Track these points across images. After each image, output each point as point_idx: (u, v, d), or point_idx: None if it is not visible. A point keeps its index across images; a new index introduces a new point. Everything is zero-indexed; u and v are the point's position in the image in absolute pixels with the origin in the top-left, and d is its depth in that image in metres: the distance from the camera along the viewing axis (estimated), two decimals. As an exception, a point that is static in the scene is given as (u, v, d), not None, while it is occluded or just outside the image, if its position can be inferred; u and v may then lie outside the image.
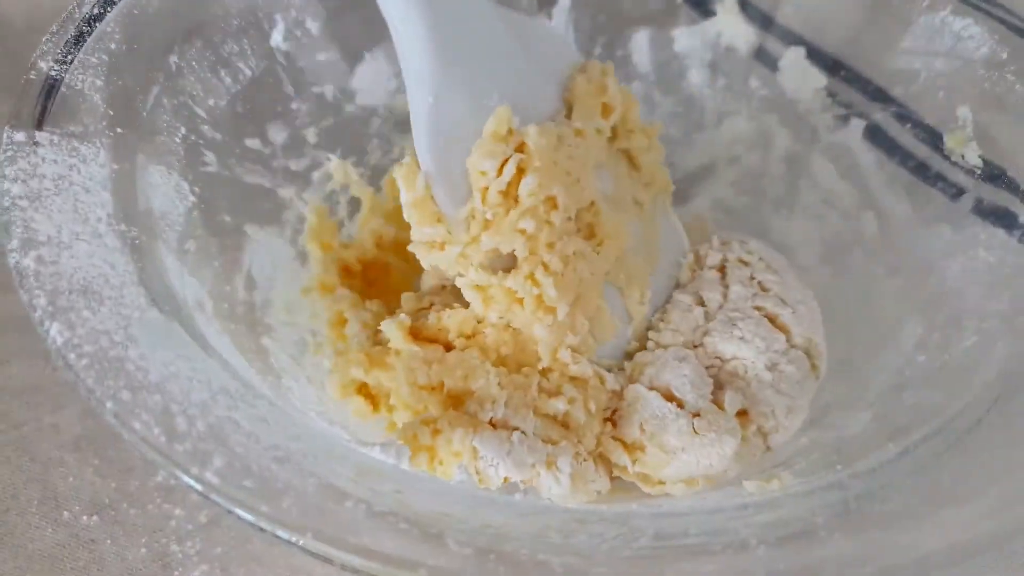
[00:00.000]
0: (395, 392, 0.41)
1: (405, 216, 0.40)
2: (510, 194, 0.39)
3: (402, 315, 0.44)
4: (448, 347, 0.43)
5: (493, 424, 0.40)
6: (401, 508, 0.29)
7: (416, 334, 0.43)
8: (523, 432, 0.39)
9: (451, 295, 0.46)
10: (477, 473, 0.38)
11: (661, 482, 0.41)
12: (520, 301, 0.40)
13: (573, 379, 0.42)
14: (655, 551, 0.29)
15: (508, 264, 0.41)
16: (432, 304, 0.46)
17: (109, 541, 0.41)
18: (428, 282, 0.48)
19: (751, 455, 0.41)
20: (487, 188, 0.38)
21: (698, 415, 0.41)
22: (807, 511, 0.31)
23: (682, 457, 0.40)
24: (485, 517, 0.30)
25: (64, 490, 0.43)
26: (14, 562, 0.40)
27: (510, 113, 0.39)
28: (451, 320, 0.43)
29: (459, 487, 0.36)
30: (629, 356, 0.46)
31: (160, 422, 0.29)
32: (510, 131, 0.39)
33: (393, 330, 0.42)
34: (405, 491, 0.31)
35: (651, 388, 0.42)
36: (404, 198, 0.39)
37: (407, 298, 0.46)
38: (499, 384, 0.41)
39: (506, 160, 0.38)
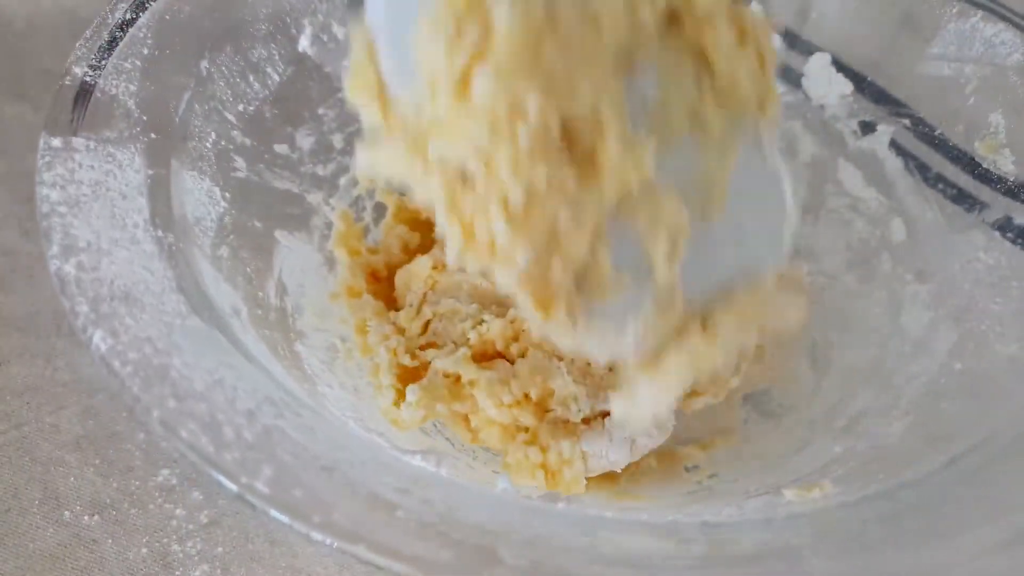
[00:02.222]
0: (480, 417, 0.40)
1: (345, 83, 0.31)
2: (465, 83, 0.27)
3: (461, 348, 0.42)
4: (504, 357, 0.43)
5: (586, 421, 0.40)
6: (451, 518, 0.29)
7: (473, 357, 0.43)
8: (610, 415, 0.40)
9: (441, 296, 0.45)
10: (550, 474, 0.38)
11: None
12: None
13: None
14: (711, 560, 0.28)
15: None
16: (435, 315, 0.45)
17: (110, 541, 0.41)
18: (409, 298, 0.47)
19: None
20: (436, 77, 0.27)
21: None
22: (858, 522, 0.31)
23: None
24: (534, 527, 0.30)
25: (65, 490, 0.42)
26: (15, 562, 0.40)
27: None
28: (491, 332, 0.42)
29: (502, 495, 0.35)
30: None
31: (207, 431, 0.29)
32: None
33: (462, 366, 0.41)
34: (450, 499, 0.30)
35: None
36: (351, 58, 0.30)
37: (407, 315, 0.45)
38: (573, 380, 0.40)
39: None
